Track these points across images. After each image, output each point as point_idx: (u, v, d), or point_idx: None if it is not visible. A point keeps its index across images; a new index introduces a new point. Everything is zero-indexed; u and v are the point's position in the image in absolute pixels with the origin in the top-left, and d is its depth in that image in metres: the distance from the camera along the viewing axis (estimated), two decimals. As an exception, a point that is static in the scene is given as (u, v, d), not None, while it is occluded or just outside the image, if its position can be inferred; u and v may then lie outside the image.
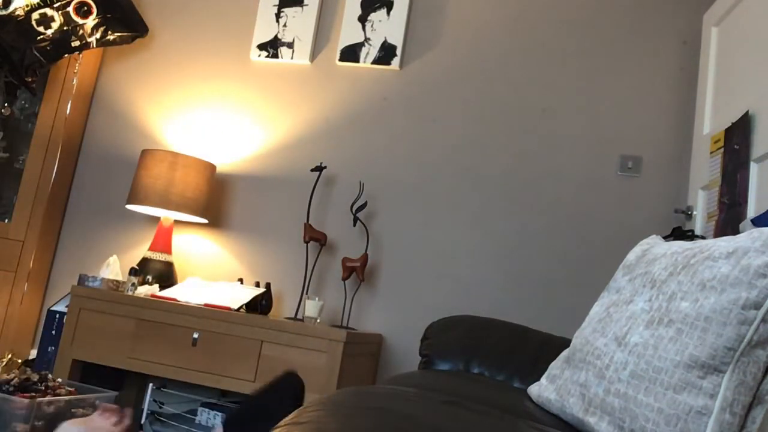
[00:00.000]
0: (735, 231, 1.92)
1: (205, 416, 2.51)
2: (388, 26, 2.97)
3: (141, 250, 3.05)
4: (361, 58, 2.97)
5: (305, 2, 3.07)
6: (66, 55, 2.99)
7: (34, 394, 1.99)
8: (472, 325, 1.90)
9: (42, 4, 2.82)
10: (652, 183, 2.65)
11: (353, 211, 2.75)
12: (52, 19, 2.86)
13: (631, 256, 1.34)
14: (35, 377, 2.07)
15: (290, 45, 3.06)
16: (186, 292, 2.60)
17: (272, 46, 3.08)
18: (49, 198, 3.04)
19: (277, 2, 3.11)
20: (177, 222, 3.00)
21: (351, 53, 2.99)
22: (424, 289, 2.76)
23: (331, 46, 3.05)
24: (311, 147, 2.99)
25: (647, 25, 2.76)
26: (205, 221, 2.89)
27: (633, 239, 2.60)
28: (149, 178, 2.71)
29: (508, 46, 2.88)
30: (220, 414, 2.52)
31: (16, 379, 2.02)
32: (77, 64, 3.12)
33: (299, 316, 2.76)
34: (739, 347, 0.92)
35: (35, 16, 2.83)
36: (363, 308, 2.79)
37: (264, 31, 3.10)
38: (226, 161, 3.06)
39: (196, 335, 2.37)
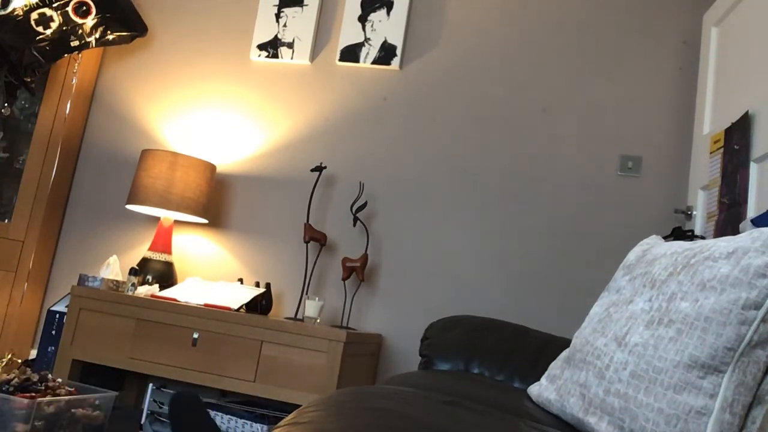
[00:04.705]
0: (735, 231, 1.92)
1: (205, 416, 2.51)
2: (388, 26, 2.96)
3: (141, 250, 3.05)
4: (361, 58, 2.97)
5: (305, 2, 3.07)
6: (65, 55, 2.99)
7: (34, 394, 1.99)
8: (472, 325, 1.90)
9: (41, 4, 2.82)
10: (652, 183, 2.65)
11: (353, 211, 2.75)
12: (51, 18, 2.86)
13: (631, 256, 1.34)
14: (35, 377, 2.07)
15: (290, 45, 3.06)
16: (186, 292, 2.60)
17: (272, 46, 3.08)
18: (49, 198, 3.04)
19: (277, 2, 3.11)
20: (177, 222, 3.00)
21: (351, 53, 2.99)
22: (424, 289, 2.76)
23: (331, 46, 3.05)
24: (311, 147, 2.99)
25: (647, 25, 2.76)
26: (205, 221, 2.89)
27: (633, 239, 2.60)
28: (149, 178, 2.71)
29: (508, 46, 2.88)
30: (219, 414, 2.51)
31: (16, 379, 2.02)
32: (76, 64, 3.11)
33: (299, 316, 2.76)
34: (739, 347, 0.92)
35: (34, 15, 2.83)
36: (363, 308, 2.79)
37: (264, 31, 3.10)
38: (226, 161, 3.06)
39: (196, 335, 2.37)
